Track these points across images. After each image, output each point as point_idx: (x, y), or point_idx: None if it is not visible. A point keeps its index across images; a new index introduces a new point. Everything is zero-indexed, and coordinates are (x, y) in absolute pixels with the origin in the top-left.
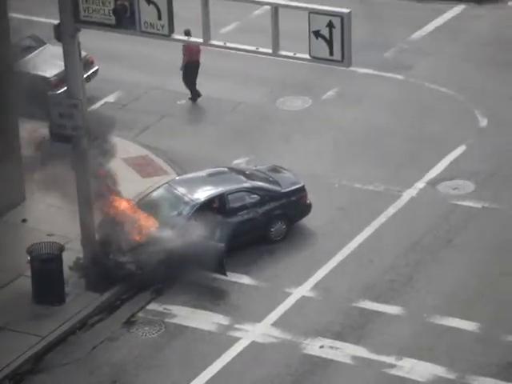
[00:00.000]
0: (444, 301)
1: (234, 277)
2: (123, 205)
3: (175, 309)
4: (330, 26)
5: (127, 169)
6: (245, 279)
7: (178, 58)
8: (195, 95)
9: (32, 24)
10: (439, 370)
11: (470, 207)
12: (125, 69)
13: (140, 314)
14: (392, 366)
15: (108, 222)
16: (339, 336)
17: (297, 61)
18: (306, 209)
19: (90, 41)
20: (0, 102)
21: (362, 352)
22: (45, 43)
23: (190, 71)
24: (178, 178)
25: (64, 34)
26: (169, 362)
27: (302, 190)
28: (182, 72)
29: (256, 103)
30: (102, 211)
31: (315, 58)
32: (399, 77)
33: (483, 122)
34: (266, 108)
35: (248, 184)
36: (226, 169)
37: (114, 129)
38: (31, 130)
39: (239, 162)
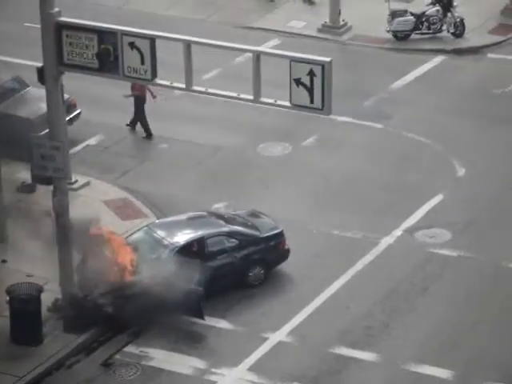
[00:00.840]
0: (419, 348)
1: (212, 321)
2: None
3: (152, 352)
4: (311, 74)
5: (107, 211)
6: (222, 323)
7: (160, 103)
8: (149, 130)
9: (15, 66)
10: None
11: (447, 256)
12: (107, 112)
13: (117, 356)
14: None
15: (87, 263)
16: (315, 381)
17: (278, 108)
18: (284, 254)
19: (73, 84)
20: None
21: None
22: (28, 85)
23: (142, 107)
24: (157, 221)
25: (47, 77)
26: None
27: (281, 235)
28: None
29: (237, 149)
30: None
31: (296, 106)
32: (378, 125)
33: (461, 172)
34: (247, 153)
35: (227, 228)
36: (205, 213)
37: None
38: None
39: (219, 207)
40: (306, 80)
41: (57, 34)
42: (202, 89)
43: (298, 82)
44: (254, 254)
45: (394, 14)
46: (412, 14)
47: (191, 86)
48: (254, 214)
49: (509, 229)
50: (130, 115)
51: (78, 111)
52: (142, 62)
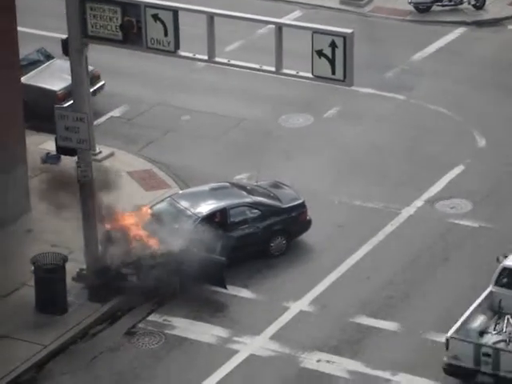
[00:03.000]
0: (440, 318)
1: (234, 290)
2: (128, 217)
3: (175, 320)
4: (333, 45)
5: (131, 182)
6: (244, 293)
7: (183, 75)
8: None
9: (40, 38)
10: None
11: (467, 226)
12: (130, 84)
13: (140, 325)
14: (387, 380)
15: (111, 233)
16: (336, 350)
17: (299, 79)
18: (305, 225)
19: (97, 55)
20: (6, 114)
21: (358, 367)
22: (52, 57)
23: None
24: (180, 192)
25: (71, 49)
26: (168, 373)
27: (303, 206)
28: None
29: (259, 120)
30: (107, 223)
31: (318, 77)
32: (400, 97)
33: (481, 143)
34: (269, 125)
35: (249, 199)
36: (227, 184)
37: None
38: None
39: (241, 178)
40: (327, 51)
41: (81, 6)
42: (225, 60)
43: (320, 53)
44: (275, 224)
45: None
46: None
47: (214, 57)
48: (276, 185)
49: None
50: (153, 87)
51: (101, 83)
52: (166, 34)
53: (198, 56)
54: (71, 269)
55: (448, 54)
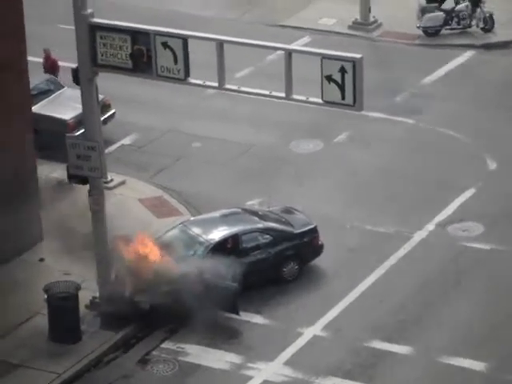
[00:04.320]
0: (453, 341)
1: (247, 316)
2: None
3: (189, 347)
4: (343, 70)
5: (142, 209)
6: (257, 319)
7: (194, 102)
8: None
9: None
10: None
11: (479, 249)
12: (141, 112)
13: (154, 353)
14: None
15: (123, 261)
16: (350, 375)
17: (309, 105)
18: (318, 249)
19: (107, 84)
20: (18, 143)
21: None
22: (63, 86)
23: None
24: (192, 218)
25: (82, 78)
26: None
27: (315, 231)
28: None
29: (269, 146)
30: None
31: (327, 102)
32: (410, 121)
33: (492, 166)
34: (279, 150)
35: (261, 225)
36: (239, 209)
37: None
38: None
39: (252, 203)
40: (337, 77)
41: (91, 35)
42: (235, 87)
43: (330, 78)
44: (288, 249)
45: (423, 10)
46: (441, 10)
47: (224, 84)
48: (288, 210)
49: None
50: (163, 114)
51: (112, 111)
52: (175, 62)
53: (208, 83)
54: (84, 297)
55: (457, 77)
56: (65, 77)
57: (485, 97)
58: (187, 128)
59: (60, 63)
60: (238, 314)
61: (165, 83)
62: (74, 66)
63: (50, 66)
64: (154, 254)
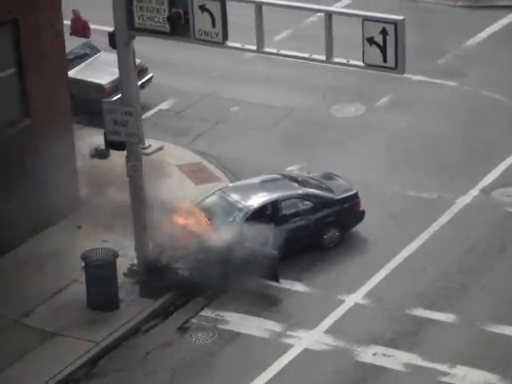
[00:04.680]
0: (497, 308)
1: (287, 284)
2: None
3: (228, 315)
4: (384, 33)
5: (181, 175)
6: (297, 286)
7: (232, 66)
8: None
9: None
10: (492, 378)
11: None
12: (178, 76)
13: (193, 320)
14: (445, 373)
15: (162, 228)
16: (392, 343)
17: (350, 68)
18: (359, 216)
19: (144, 48)
20: (54, 108)
21: (415, 359)
22: (99, 50)
23: None
24: (231, 184)
25: (118, 42)
26: (222, 368)
27: (355, 197)
28: None
29: (309, 110)
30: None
31: (369, 65)
32: (453, 84)
33: None
34: (320, 115)
35: (301, 191)
36: (279, 176)
37: None
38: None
39: (292, 169)
40: (378, 39)
41: None
42: (274, 50)
43: (371, 41)
44: (328, 216)
45: None
46: None
47: (263, 47)
48: (328, 176)
49: None
50: (201, 78)
51: (149, 75)
52: (213, 25)
53: (246, 46)
54: (122, 264)
55: (501, 39)
56: (97, 40)
57: None
58: (225, 92)
59: (94, 26)
60: (278, 281)
61: (203, 47)
62: (111, 29)
63: (81, 28)
64: (194, 220)
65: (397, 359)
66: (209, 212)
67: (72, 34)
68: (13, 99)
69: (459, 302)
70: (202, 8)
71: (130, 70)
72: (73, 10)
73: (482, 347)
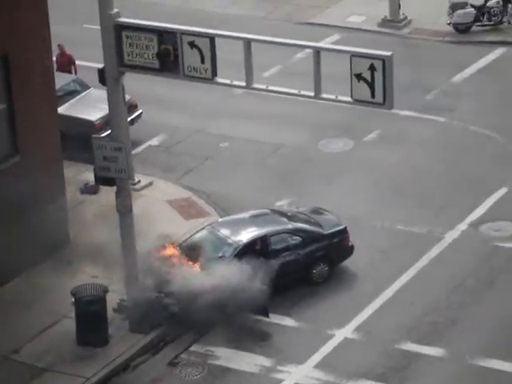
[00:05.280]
0: (487, 343)
1: (277, 318)
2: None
3: (218, 350)
4: (372, 68)
5: (171, 211)
6: (287, 321)
7: (221, 101)
8: None
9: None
10: None
11: None
12: (168, 112)
13: (183, 356)
14: None
15: (151, 264)
16: (383, 378)
17: (339, 103)
18: (348, 251)
19: (134, 84)
20: (44, 144)
21: None
22: (89, 87)
23: None
24: (220, 219)
25: (108, 78)
26: None
27: (344, 231)
28: None
29: (298, 145)
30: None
31: (357, 101)
32: (441, 119)
33: None
34: (308, 150)
35: (290, 226)
36: (268, 210)
37: None
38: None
39: (281, 204)
40: (366, 75)
41: (117, 34)
42: (263, 86)
43: (359, 77)
44: (317, 250)
45: (454, 7)
46: (472, 6)
47: (252, 83)
48: (317, 211)
49: None
50: (190, 114)
51: (139, 111)
52: (202, 61)
53: (235, 83)
54: (112, 300)
55: (489, 75)
56: (84, 74)
57: None
58: (215, 128)
59: (83, 62)
60: (267, 316)
61: (192, 83)
62: (100, 66)
63: (67, 63)
64: (181, 258)
65: None
66: (198, 247)
67: (58, 69)
68: (2, 135)
69: (448, 337)
70: (191, 44)
71: (120, 106)
72: (58, 45)
73: (472, 381)
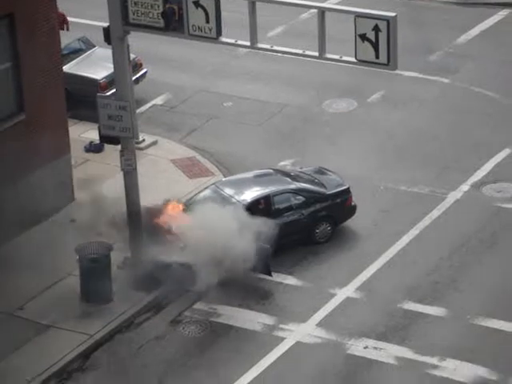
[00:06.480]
0: (487, 303)
1: (279, 277)
2: (172, 208)
3: (221, 308)
4: (376, 29)
5: (174, 170)
6: (290, 280)
7: (225, 61)
8: None
9: (82, 26)
10: (482, 371)
11: None
12: (172, 71)
13: (186, 314)
14: (435, 366)
15: (156, 223)
16: (383, 337)
17: (343, 64)
18: (350, 211)
19: (139, 43)
20: (49, 103)
21: (405, 353)
22: (94, 46)
23: None
24: (224, 179)
25: (113, 37)
26: (214, 361)
27: (347, 191)
28: None
29: (302, 106)
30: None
31: (361, 61)
32: (444, 80)
33: None
34: (312, 110)
35: (294, 185)
36: (271, 170)
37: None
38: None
39: (285, 164)
40: (371, 35)
41: None
42: (267, 46)
43: (364, 37)
44: (320, 210)
45: None
46: None
47: (256, 43)
48: (321, 171)
49: None
50: (195, 74)
51: (144, 71)
52: (207, 21)
53: (240, 42)
54: (116, 257)
55: (493, 36)
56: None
57: None
58: (219, 88)
59: (89, 21)
60: (270, 275)
61: (197, 42)
62: (105, 24)
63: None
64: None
65: (388, 352)
66: (202, 205)
67: None
68: (7, 93)
69: (450, 296)
70: (196, 4)
71: (125, 65)
72: None
73: (473, 341)
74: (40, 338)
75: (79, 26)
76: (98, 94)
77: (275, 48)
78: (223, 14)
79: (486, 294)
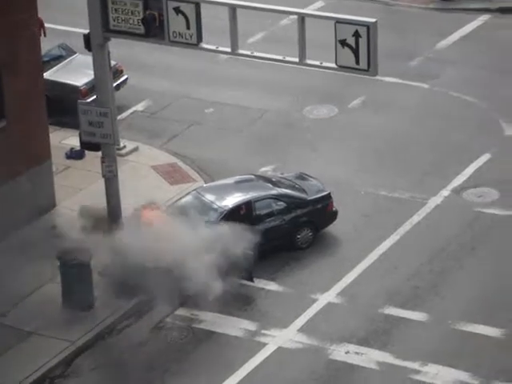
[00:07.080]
0: (468, 307)
1: (261, 283)
2: (152, 213)
3: (202, 314)
4: (357, 35)
5: (156, 176)
6: (271, 285)
7: (206, 67)
8: None
9: (62, 33)
10: (464, 376)
11: (494, 215)
12: (153, 78)
13: (168, 320)
14: (417, 371)
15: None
16: (365, 342)
17: (323, 70)
18: (332, 216)
19: (119, 50)
20: (30, 110)
21: (387, 358)
22: (75, 52)
23: None
24: (205, 185)
25: (94, 44)
26: (196, 367)
27: (328, 197)
28: None
29: (283, 111)
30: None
31: (342, 67)
32: (424, 85)
33: (508, 131)
34: (293, 116)
35: (275, 191)
36: (253, 176)
37: None
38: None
39: (266, 170)
40: (351, 41)
41: (102, 0)
42: (248, 52)
43: (344, 43)
44: (301, 216)
45: None
46: None
47: (237, 49)
48: (302, 177)
49: None
50: (176, 80)
51: (124, 77)
52: (188, 27)
53: (220, 48)
54: (97, 264)
55: (472, 42)
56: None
57: (500, 61)
58: (200, 94)
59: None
60: (252, 280)
61: (177, 49)
62: (86, 31)
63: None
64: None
65: (369, 357)
66: (184, 212)
67: None
68: None
69: (431, 301)
70: (177, 10)
71: (105, 72)
72: None
73: (454, 345)
74: (22, 344)
75: (59, 33)
76: (79, 100)
77: (256, 54)
78: (204, 20)
79: (466, 298)
